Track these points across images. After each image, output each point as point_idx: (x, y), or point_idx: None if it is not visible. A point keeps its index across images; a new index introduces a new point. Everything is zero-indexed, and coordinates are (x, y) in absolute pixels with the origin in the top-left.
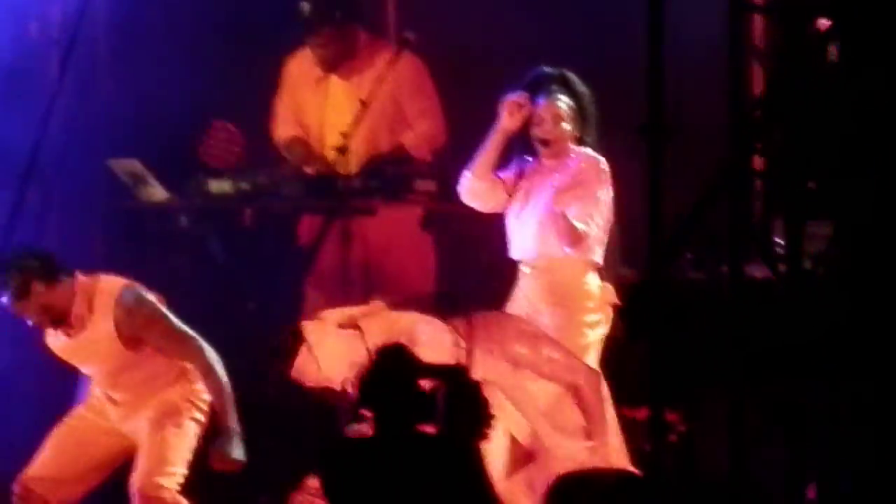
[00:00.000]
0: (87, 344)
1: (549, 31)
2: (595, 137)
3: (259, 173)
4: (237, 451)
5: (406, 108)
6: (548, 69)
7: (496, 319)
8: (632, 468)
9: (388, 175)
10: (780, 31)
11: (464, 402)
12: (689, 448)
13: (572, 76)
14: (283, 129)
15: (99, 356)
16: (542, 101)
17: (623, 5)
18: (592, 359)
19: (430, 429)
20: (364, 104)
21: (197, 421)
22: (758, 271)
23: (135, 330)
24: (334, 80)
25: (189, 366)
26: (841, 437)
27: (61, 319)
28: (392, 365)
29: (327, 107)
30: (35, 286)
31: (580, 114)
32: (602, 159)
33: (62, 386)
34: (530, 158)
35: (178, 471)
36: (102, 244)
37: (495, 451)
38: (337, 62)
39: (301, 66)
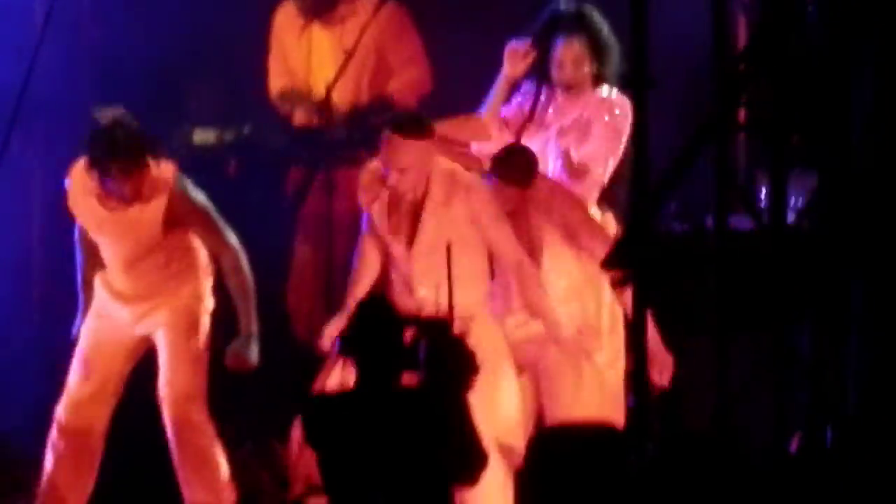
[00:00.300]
0: (129, 221)
1: None
2: (615, 71)
3: (244, 124)
4: (254, 355)
5: (390, 56)
6: (563, 6)
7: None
8: (619, 422)
9: (373, 125)
10: None
11: (446, 354)
12: (674, 401)
13: (589, 10)
14: (274, 81)
15: (134, 234)
16: (560, 43)
17: None
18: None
19: (412, 380)
20: (348, 55)
21: (206, 322)
22: (742, 223)
23: (183, 213)
24: (317, 29)
25: (200, 260)
26: (824, 388)
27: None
28: (372, 316)
29: (311, 56)
30: (147, 160)
31: (599, 51)
32: (619, 99)
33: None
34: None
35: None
36: None
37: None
38: (319, 9)
39: (286, 17)
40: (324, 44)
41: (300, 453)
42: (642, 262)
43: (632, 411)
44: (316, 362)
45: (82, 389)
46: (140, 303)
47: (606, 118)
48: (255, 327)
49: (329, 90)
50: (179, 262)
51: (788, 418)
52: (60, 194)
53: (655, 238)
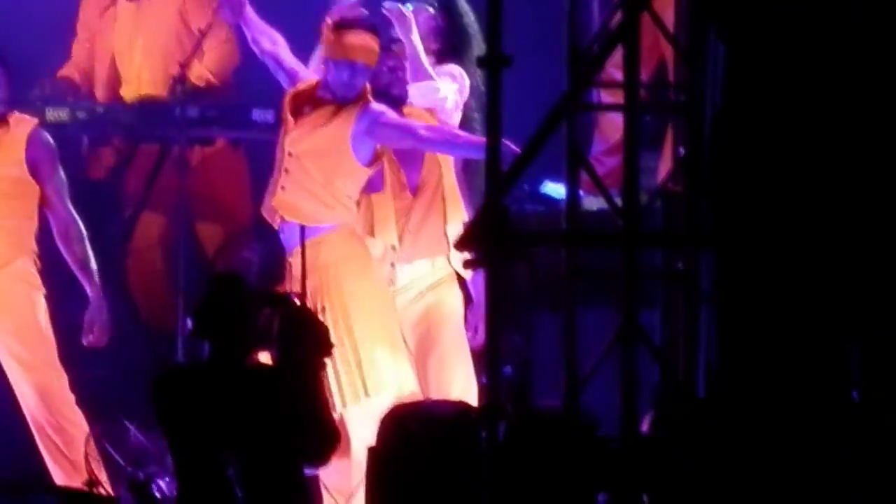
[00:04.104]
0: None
1: None
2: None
3: (96, 102)
4: (107, 322)
5: (193, 25)
6: None
7: None
8: (474, 402)
9: (225, 104)
10: None
11: (299, 330)
12: (525, 380)
13: None
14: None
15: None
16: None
17: None
18: None
19: (265, 357)
20: (202, 33)
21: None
22: (595, 204)
23: (39, 156)
24: (123, 4)
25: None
26: (674, 368)
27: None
28: (224, 293)
29: (117, 32)
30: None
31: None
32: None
33: None
34: None
35: None
36: None
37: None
38: None
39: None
40: (128, 18)
41: None
42: (494, 242)
43: (484, 389)
44: (163, 342)
45: None
46: None
47: None
48: (101, 294)
49: (184, 67)
50: (27, 241)
51: (639, 398)
52: None
53: (507, 218)
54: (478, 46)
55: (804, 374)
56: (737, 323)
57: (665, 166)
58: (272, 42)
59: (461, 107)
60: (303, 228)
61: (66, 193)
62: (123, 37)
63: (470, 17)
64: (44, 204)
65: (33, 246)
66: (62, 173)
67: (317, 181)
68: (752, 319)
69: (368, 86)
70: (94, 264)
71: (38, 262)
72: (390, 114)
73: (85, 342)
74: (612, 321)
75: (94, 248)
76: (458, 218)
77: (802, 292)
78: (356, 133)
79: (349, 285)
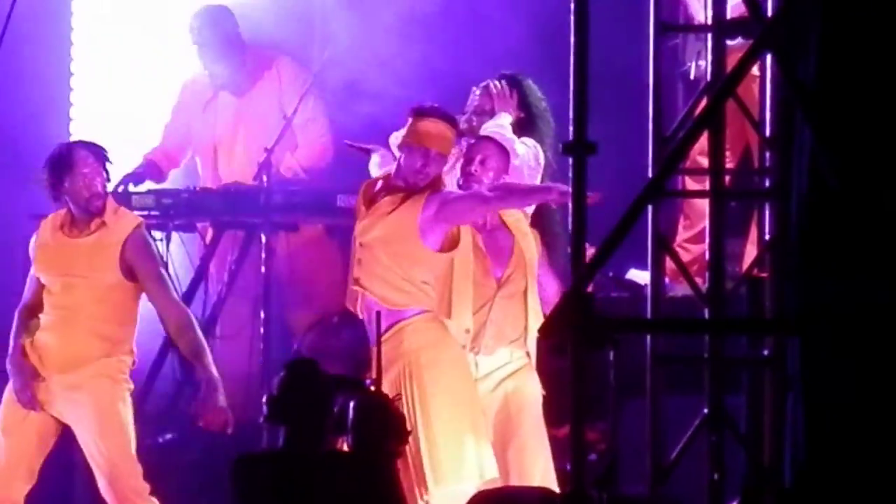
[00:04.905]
0: (88, 249)
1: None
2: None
3: (181, 189)
4: (223, 400)
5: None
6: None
7: None
8: (555, 488)
9: (310, 190)
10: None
11: (374, 417)
12: (611, 466)
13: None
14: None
15: (91, 267)
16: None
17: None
18: None
19: (343, 445)
20: (288, 119)
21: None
22: (679, 290)
23: (136, 259)
24: (223, 95)
25: (128, 344)
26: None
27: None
28: (299, 379)
29: (218, 125)
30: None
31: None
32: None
33: None
34: None
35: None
36: None
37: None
38: (226, 81)
39: (193, 88)
40: (229, 111)
41: None
42: (579, 329)
43: (569, 475)
44: (248, 428)
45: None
46: (60, 367)
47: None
48: (216, 375)
49: (269, 153)
50: (116, 336)
51: (725, 485)
52: None
53: (592, 305)
54: (545, 124)
55: (894, 466)
56: (824, 411)
57: (750, 252)
58: None
59: (537, 177)
60: (379, 315)
61: (167, 286)
62: (226, 129)
63: (536, 95)
64: (149, 299)
65: (129, 347)
66: (161, 269)
67: (389, 269)
68: (840, 407)
69: (442, 175)
70: (206, 352)
71: (134, 360)
72: (455, 191)
73: (202, 424)
74: (697, 407)
75: None
76: (537, 312)
77: (892, 381)
78: (425, 219)
79: (431, 372)
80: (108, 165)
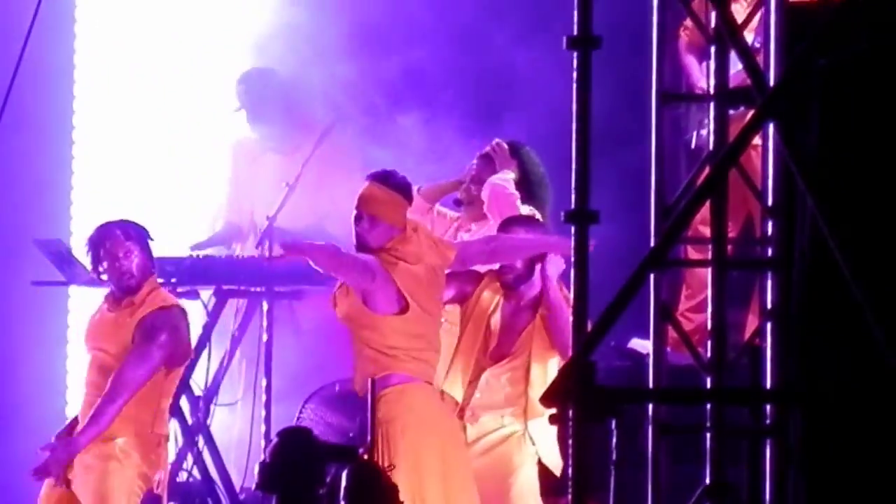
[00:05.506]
0: (111, 326)
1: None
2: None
3: (184, 257)
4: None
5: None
6: None
7: None
8: None
9: None
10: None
11: (367, 486)
12: None
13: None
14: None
15: (110, 343)
16: None
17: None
18: None
19: None
20: (291, 187)
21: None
22: (681, 359)
23: (136, 336)
24: (270, 156)
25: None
26: None
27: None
28: (291, 447)
29: (260, 184)
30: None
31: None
32: None
33: None
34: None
35: None
36: None
37: None
38: (274, 141)
39: (243, 147)
40: (274, 171)
41: None
42: (581, 398)
43: None
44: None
45: None
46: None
47: None
48: (81, 441)
49: (271, 221)
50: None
51: None
52: None
53: (594, 374)
54: (543, 190)
55: None
56: (825, 483)
57: (752, 322)
58: None
59: None
60: (373, 382)
61: (139, 365)
62: (268, 187)
63: (534, 162)
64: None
65: (152, 428)
66: (153, 352)
67: (362, 340)
68: (841, 480)
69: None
70: (98, 424)
71: (160, 441)
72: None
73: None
74: (699, 477)
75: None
76: (540, 381)
77: (894, 453)
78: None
79: (419, 438)
80: (149, 243)
